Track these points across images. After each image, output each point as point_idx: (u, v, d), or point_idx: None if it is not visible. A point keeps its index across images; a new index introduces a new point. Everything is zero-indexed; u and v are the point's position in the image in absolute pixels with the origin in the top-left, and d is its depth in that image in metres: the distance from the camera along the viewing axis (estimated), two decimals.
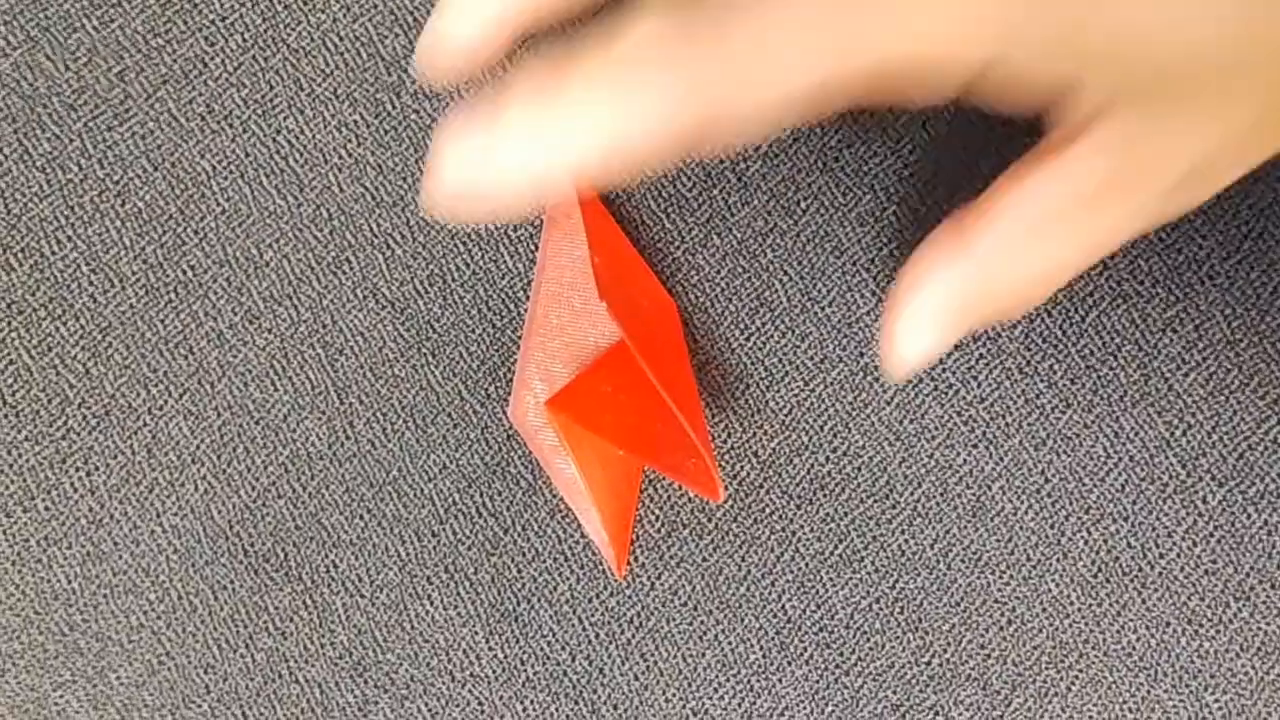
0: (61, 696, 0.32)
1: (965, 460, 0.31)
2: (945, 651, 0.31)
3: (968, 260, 0.24)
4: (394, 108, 0.33)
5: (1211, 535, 0.31)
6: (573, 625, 0.32)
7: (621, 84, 0.20)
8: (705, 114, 0.21)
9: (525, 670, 0.32)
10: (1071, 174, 0.23)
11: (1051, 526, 0.31)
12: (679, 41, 0.20)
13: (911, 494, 0.32)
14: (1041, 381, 0.31)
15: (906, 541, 0.31)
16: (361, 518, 0.32)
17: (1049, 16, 0.20)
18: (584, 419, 0.29)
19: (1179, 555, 0.31)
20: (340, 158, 0.33)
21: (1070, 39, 0.20)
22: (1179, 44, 0.21)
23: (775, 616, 0.32)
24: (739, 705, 0.31)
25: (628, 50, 0.21)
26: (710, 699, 0.32)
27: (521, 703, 0.32)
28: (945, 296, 0.25)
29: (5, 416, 0.32)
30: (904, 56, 0.20)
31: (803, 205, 0.32)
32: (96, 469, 0.32)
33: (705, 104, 0.20)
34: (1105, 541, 0.31)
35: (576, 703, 0.32)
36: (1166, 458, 0.31)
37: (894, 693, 0.31)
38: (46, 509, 0.32)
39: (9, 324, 0.33)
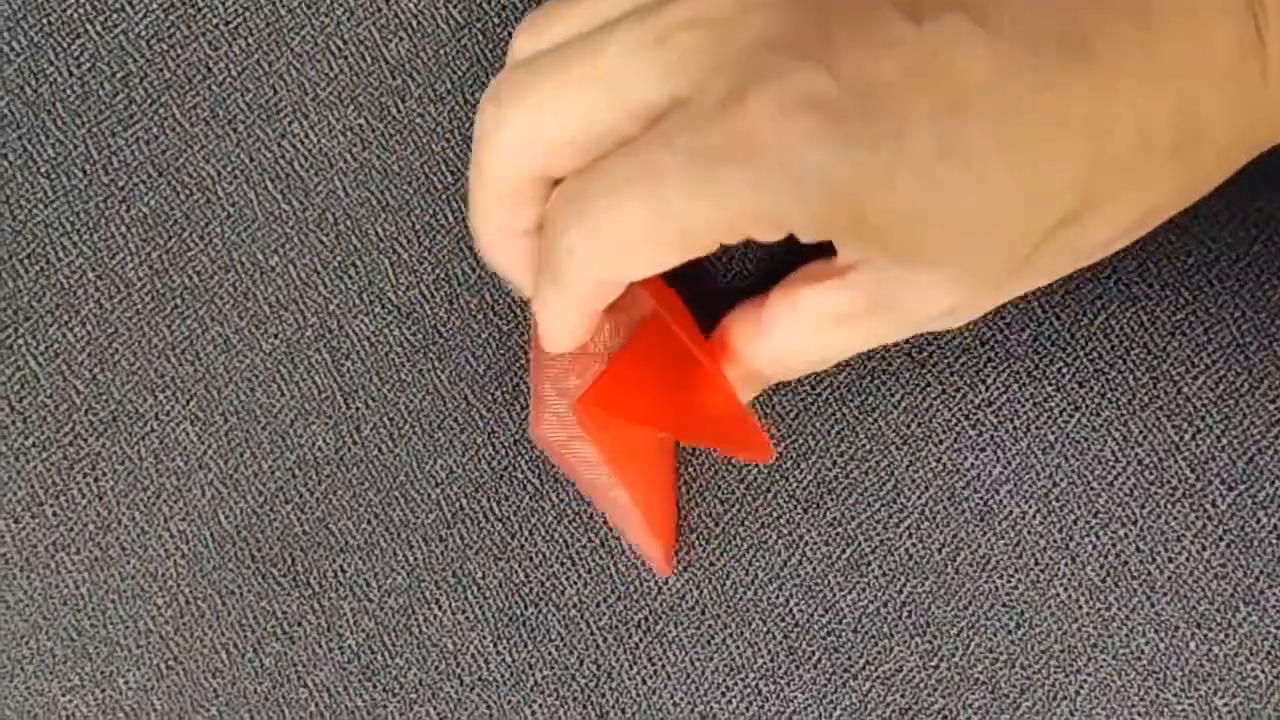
0: (70, 701, 0.32)
1: (973, 464, 0.31)
2: (953, 655, 0.31)
3: (758, 340, 0.29)
4: (399, 111, 0.33)
5: (1221, 539, 0.31)
6: (581, 629, 0.32)
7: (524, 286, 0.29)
8: (577, 305, 0.27)
9: (534, 674, 0.32)
10: (831, 300, 0.27)
11: (1060, 530, 0.31)
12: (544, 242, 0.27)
13: (919, 498, 0.32)
14: (1050, 385, 0.31)
15: (914, 545, 0.31)
16: (369, 522, 0.32)
17: (837, 203, 0.24)
18: (619, 409, 0.29)
19: (1188, 559, 0.31)
20: (345, 162, 0.33)
21: (848, 220, 0.24)
22: (934, 230, 0.24)
23: (783, 620, 0.32)
24: (747, 709, 0.32)
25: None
26: (718, 703, 0.32)
27: (530, 706, 0.32)
28: (748, 358, 0.29)
29: (13, 423, 0.32)
30: (718, 238, 0.25)
31: None
32: (104, 474, 0.32)
33: (566, 299, 0.27)
34: (1114, 545, 0.31)
35: (585, 706, 0.32)
36: (1175, 461, 0.31)
37: (902, 696, 0.31)
38: (54, 514, 0.32)
39: (16, 330, 0.33)
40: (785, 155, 0.23)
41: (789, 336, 0.28)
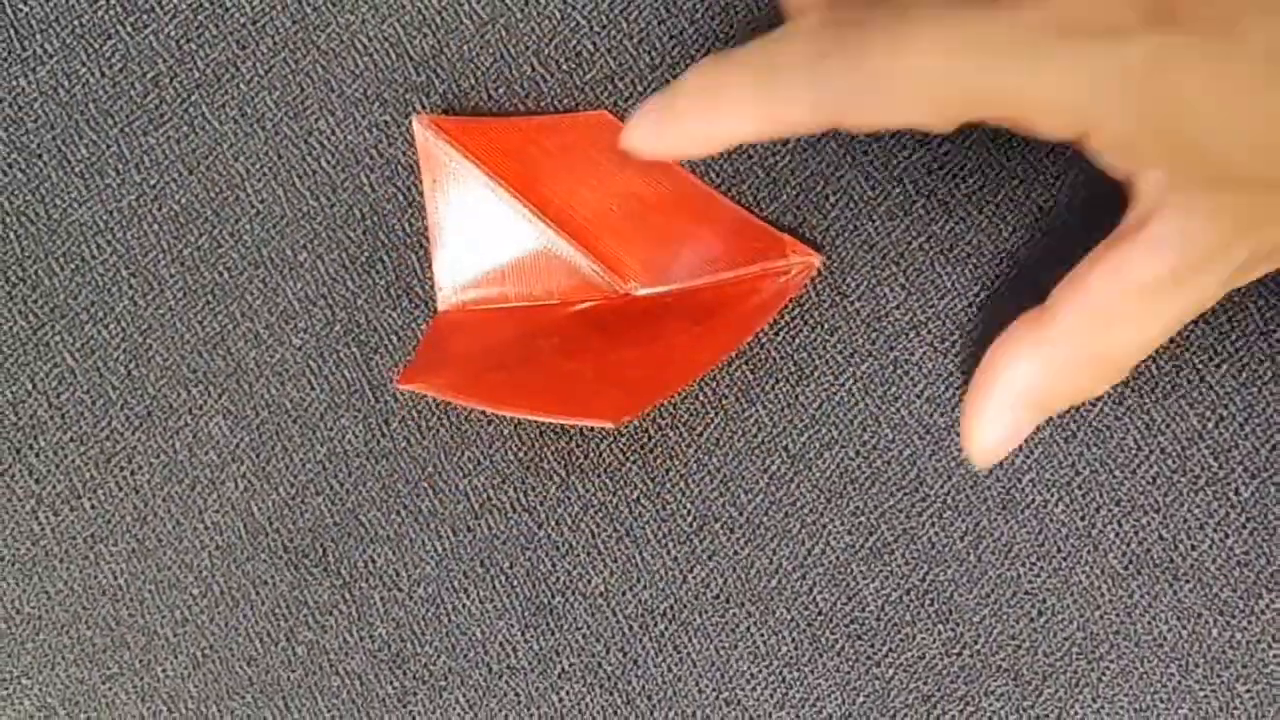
0: (110, 688, 0.33)
1: None
2: (976, 643, 0.31)
3: (1042, 349, 0.27)
4: (424, 107, 0.33)
5: (1244, 527, 0.31)
6: (607, 618, 0.32)
7: (767, 89, 0.25)
8: (835, 120, 0.24)
9: (560, 662, 0.32)
10: (1141, 259, 0.25)
11: (1082, 519, 0.31)
12: (821, 55, 0.24)
13: (942, 487, 0.32)
14: None
15: (937, 534, 0.32)
16: (398, 513, 0.33)
17: (1146, 111, 0.22)
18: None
19: (1210, 547, 0.31)
20: (372, 158, 0.33)
21: (1159, 134, 0.23)
22: (1255, 148, 0.22)
23: (806, 609, 0.32)
24: (771, 696, 0.32)
25: (777, 57, 0.25)
26: (743, 690, 0.32)
27: (557, 694, 0.32)
28: (1024, 383, 0.27)
29: (51, 418, 0.33)
30: (1008, 112, 0.23)
31: (831, 199, 0.32)
32: (140, 468, 0.33)
33: (836, 112, 0.24)
34: (1136, 533, 0.31)
35: (611, 694, 0.32)
36: (1198, 449, 0.31)
37: (925, 684, 0.32)
38: (92, 507, 0.33)
39: (53, 328, 0.33)
40: (1117, 42, 0.22)
41: (1083, 329, 0.27)
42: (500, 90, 0.33)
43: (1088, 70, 0.22)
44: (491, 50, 0.33)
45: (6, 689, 0.33)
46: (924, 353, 0.32)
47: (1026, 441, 0.31)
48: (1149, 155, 0.24)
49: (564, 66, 0.33)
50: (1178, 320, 0.26)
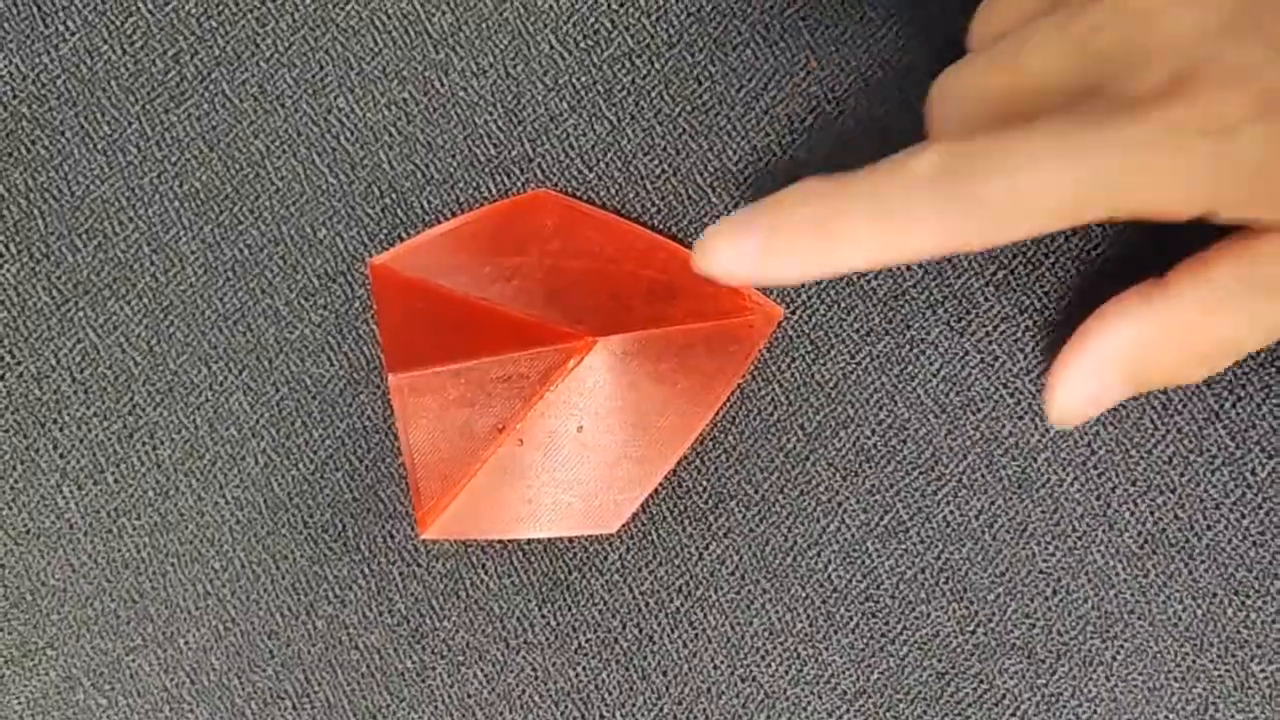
0: (133, 660, 0.34)
1: (1011, 432, 0.32)
2: (990, 621, 0.32)
3: (1152, 320, 0.27)
4: (442, 85, 0.33)
5: (1260, 507, 0.31)
6: (623, 594, 0.33)
7: (886, 219, 0.25)
8: (959, 245, 0.25)
9: (577, 638, 0.33)
10: (1263, 260, 0.26)
11: (1098, 498, 0.31)
12: (942, 183, 0.24)
13: (957, 465, 0.32)
14: None
15: (952, 512, 0.32)
16: None
17: (1255, 186, 0.24)
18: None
19: (1226, 526, 0.31)
20: (390, 135, 0.33)
21: (1269, 199, 0.24)
22: None
23: (821, 586, 0.32)
24: (786, 672, 0.32)
25: (895, 186, 0.25)
26: (757, 666, 0.32)
27: (574, 669, 0.33)
28: (1125, 349, 0.28)
29: (75, 393, 0.34)
30: (1129, 211, 0.24)
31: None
32: (162, 443, 0.33)
33: (960, 238, 0.24)
34: (1152, 513, 0.31)
35: (627, 669, 0.33)
36: (1215, 429, 0.31)
37: (939, 661, 0.32)
38: (115, 481, 0.34)
39: (76, 304, 0.34)
40: (1228, 137, 0.23)
41: (1196, 308, 0.27)
42: (519, 68, 0.33)
43: (1206, 168, 0.23)
44: (509, 28, 0.33)
45: (32, 660, 0.34)
46: (940, 331, 0.32)
47: (1042, 420, 0.31)
48: (1269, 218, 0.25)
49: (582, 44, 0.33)
50: (1252, 332, 0.27)
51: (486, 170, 0.33)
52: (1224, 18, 0.24)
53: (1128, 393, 0.28)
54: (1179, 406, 0.31)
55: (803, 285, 0.32)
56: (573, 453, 0.32)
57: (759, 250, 0.26)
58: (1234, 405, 0.31)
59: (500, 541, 0.33)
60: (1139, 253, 0.31)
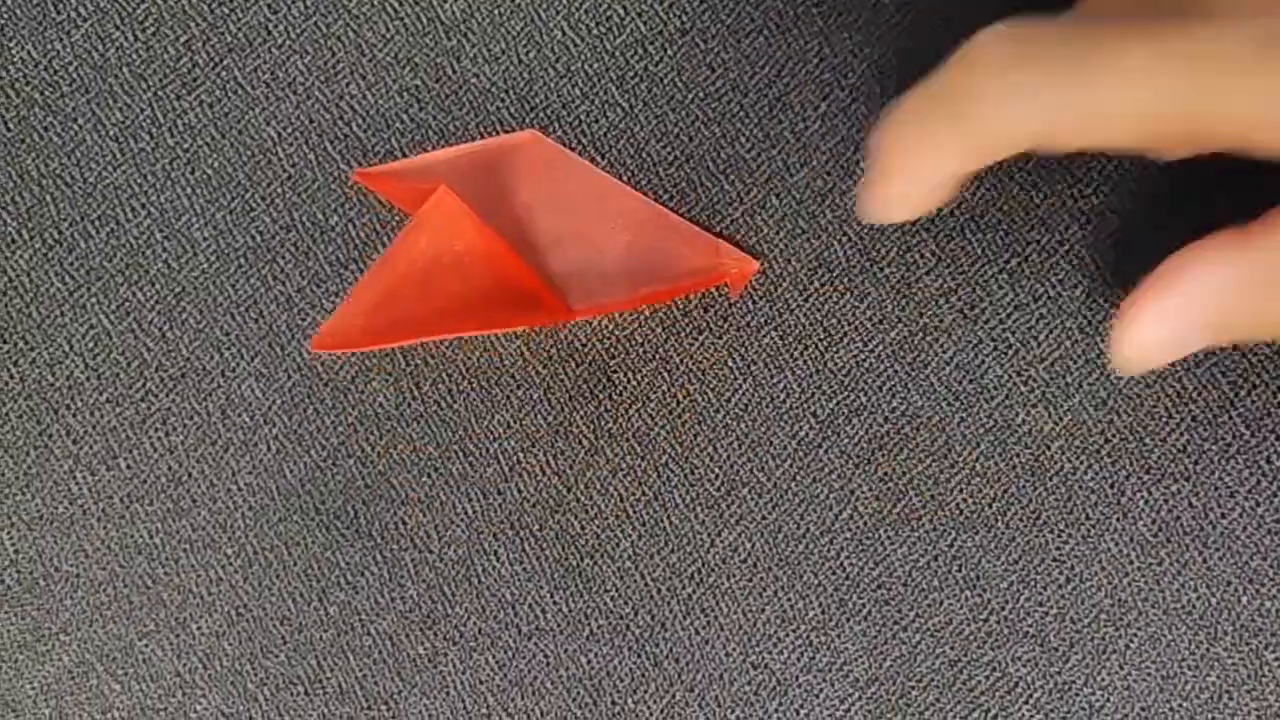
0: (146, 645, 0.34)
1: (1024, 419, 0.31)
2: (1003, 609, 0.32)
3: (1240, 263, 0.25)
4: (454, 72, 0.33)
5: (1275, 495, 0.31)
6: (635, 581, 0.33)
7: (963, 120, 0.24)
8: (1045, 139, 0.24)
9: (589, 624, 0.33)
10: (1251, 252, 0.24)
11: (1111, 486, 0.31)
12: (1025, 69, 0.23)
13: (970, 453, 0.32)
14: (1102, 340, 0.31)
15: (965, 500, 0.32)
16: (429, 476, 0.33)
17: None
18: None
19: (1241, 515, 0.31)
20: (402, 122, 0.33)
21: None
22: None
23: (834, 573, 0.32)
24: (798, 660, 0.32)
25: (968, 83, 0.24)
26: (770, 653, 0.32)
27: (585, 655, 0.33)
28: (1209, 291, 0.25)
29: (88, 379, 0.34)
30: (1226, 138, 0.23)
31: (862, 165, 0.32)
32: (174, 429, 0.34)
33: (1045, 129, 0.23)
34: (1166, 501, 0.31)
35: (639, 656, 0.33)
36: (1230, 417, 0.31)
37: (951, 649, 0.32)
38: (128, 467, 0.34)
39: (88, 290, 0.34)
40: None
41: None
42: (531, 54, 0.33)
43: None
44: (522, 14, 0.33)
45: (46, 645, 0.34)
46: (953, 319, 0.32)
47: (1055, 407, 0.31)
48: None
49: (594, 30, 0.33)
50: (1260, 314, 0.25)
51: None
52: None
53: (1204, 342, 0.26)
54: (1193, 394, 0.31)
55: (812, 274, 0.32)
56: None
57: (878, 193, 0.26)
58: (1249, 393, 0.31)
59: (511, 526, 0.33)
60: (1154, 239, 0.31)
